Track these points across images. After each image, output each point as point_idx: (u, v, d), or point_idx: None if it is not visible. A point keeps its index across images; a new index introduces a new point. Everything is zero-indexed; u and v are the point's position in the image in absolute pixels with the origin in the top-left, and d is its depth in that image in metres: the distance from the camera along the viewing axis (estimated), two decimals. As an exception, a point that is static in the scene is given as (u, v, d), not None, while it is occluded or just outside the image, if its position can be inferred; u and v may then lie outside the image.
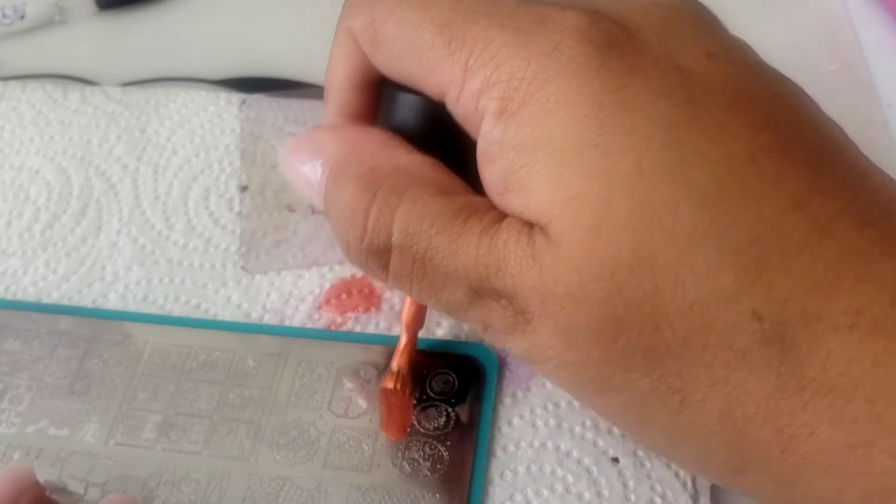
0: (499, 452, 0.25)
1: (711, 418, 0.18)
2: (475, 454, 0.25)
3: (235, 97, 0.35)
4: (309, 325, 0.28)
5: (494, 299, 0.20)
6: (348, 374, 0.27)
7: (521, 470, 0.25)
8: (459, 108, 0.20)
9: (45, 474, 0.25)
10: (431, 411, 0.26)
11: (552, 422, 0.26)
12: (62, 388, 0.27)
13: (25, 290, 0.30)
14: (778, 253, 0.17)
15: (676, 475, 0.24)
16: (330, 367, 0.27)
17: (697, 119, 0.18)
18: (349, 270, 0.30)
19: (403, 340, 0.26)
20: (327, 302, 0.29)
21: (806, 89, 0.20)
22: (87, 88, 0.36)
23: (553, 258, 0.18)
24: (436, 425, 0.25)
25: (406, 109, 0.22)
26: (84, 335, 0.28)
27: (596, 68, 0.18)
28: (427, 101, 0.22)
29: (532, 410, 0.26)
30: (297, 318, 0.29)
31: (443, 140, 0.22)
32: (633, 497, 0.24)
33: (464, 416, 0.26)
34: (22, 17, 0.38)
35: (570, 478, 0.25)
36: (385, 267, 0.21)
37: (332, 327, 0.28)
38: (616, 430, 0.25)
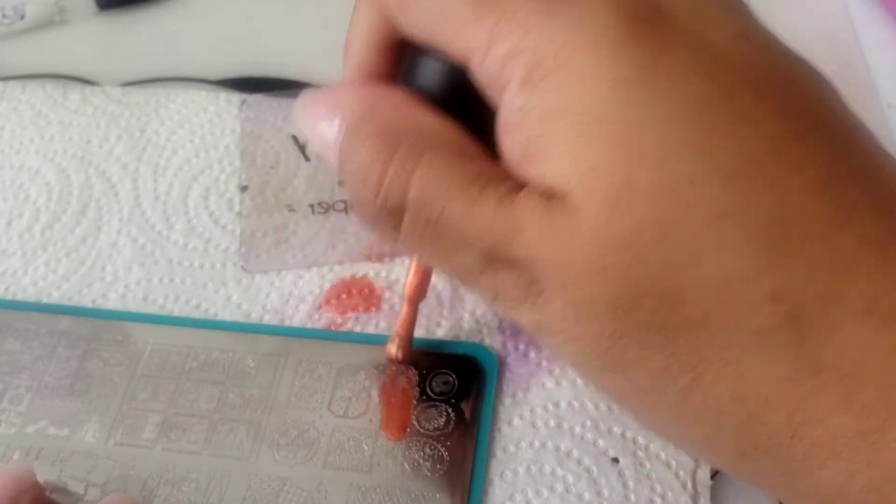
0: (499, 452, 0.25)
1: (723, 399, 0.18)
2: (475, 454, 0.25)
3: (235, 97, 0.35)
4: (309, 325, 0.28)
5: (507, 268, 0.19)
6: (348, 374, 0.27)
7: (521, 470, 0.25)
8: (483, 74, 0.20)
9: (45, 474, 0.25)
10: (431, 411, 0.26)
11: (552, 422, 0.26)
12: (62, 388, 0.27)
13: (25, 290, 0.30)
14: (799, 235, 0.17)
15: (676, 475, 0.24)
16: (330, 367, 0.27)
17: (725, 98, 0.18)
18: (349, 270, 0.30)
19: (405, 311, 0.26)
20: (327, 302, 0.29)
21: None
22: (87, 88, 0.36)
23: (571, 228, 0.18)
24: (436, 425, 0.25)
25: (428, 73, 0.22)
26: (84, 335, 0.28)
27: (624, 42, 0.18)
28: (450, 65, 0.21)
29: (532, 410, 0.26)
30: (297, 318, 0.29)
31: (463, 105, 0.21)
32: (633, 497, 0.24)
33: (464, 416, 0.26)
34: (22, 17, 0.38)
35: (570, 478, 0.25)
36: (397, 227, 0.21)
37: (332, 327, 0.28)
38: (616, 430, 0.25)
